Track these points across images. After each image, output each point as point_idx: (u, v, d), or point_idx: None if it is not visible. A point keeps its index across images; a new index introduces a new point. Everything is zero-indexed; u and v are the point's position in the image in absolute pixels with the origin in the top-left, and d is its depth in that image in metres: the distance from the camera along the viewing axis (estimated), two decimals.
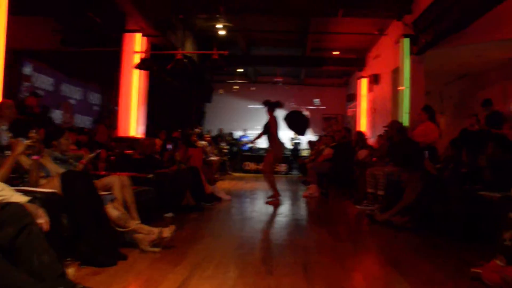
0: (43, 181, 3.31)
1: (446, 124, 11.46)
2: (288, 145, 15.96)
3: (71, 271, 2.64)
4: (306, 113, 9.55)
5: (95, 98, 11.55)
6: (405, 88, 8.78)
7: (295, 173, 14.83)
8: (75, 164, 4.01)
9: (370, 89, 12.64)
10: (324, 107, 17.74)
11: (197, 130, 12.47)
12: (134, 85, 8.83)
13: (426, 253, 3.85)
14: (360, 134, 9.31)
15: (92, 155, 4.27)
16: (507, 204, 3.23)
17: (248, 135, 16.68)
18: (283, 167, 14.77)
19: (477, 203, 4.10)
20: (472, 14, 6.72)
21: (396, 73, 9.57)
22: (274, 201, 7.16)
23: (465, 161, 4.96)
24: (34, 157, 3.14)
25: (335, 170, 8.30)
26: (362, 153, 8.34)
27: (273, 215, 6.24)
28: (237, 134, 17.12)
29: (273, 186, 7.33)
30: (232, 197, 7.55)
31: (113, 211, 3.49)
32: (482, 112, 7.61)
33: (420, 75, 8.82)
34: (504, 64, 9.19)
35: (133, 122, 8.81)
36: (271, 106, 7.61)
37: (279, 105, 7.68)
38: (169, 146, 7.89)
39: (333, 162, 8.41)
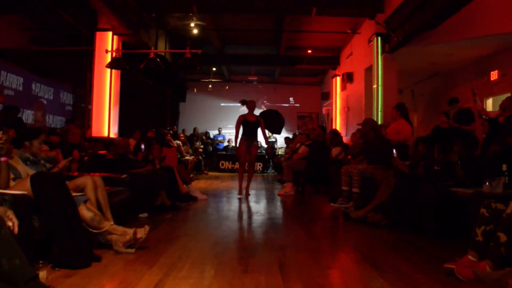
0: (12, 183, 3.24)
1: (418, 121, 11.68)
2: (263, 143, 16.04)
3: (43, 274, 2.59)
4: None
5: (67, 97, 11.36)
6: (378, 86, 8.90)
7: (270, 171, 14.93)
8: (47, 165, 3.94)
9: (344, 87, 12.79)
10: (299, 105, 17.89)
11: (168, 130, 12.36)
12: (107, 85, 8.71)
13: (401, 249, 3.90)
14: (335, 132, 9.42)
15: (66, 162, 4.22)
16: (479, 200, 3.30)
17: (223, 134, 16.69)
18: (258, 166, 14.81)
19: (449, 200, 4.19)
20: (443, 12, 6.85)
21: (369, 71, 9.69)
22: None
23: (437, 158, 5.06)
24: (3, 158, 3.07)
25: (311, 168, 8.34)
26: (335, 151, 8.44)
27: (249, 214, 6.25)
28: (212, 133, 17.11)
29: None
30: (208, 197, 7.55)
31: (86, 212, 3.44)
32: (450, 110, 7.79)
33: (392, 73, 8.96)
34: (475, 62, 9.40)
35: (106, 122, 8.70)
36: (247, 104, 8.23)
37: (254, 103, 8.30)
38: (143, 146, 7.82)
39: (308, 160, 8.45)
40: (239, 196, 7.95)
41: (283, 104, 17.77)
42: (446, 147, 4.93)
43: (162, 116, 14.67)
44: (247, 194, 8.04)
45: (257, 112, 8.48)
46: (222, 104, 17.77)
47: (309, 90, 17.74)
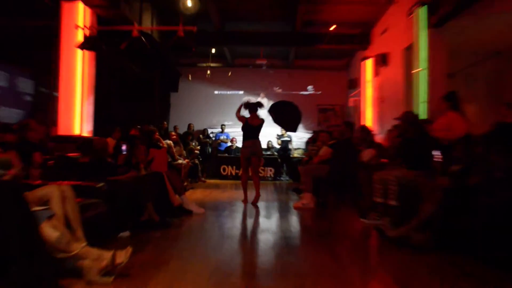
0: None
1: (473, 115, 11.54)
2: (275, 143, 16.04)
3: None
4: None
5: (26, 85, 11.34)
6: (421, 70, 8.81)
7: (284, 178, 14.96)
8: (0, 173, 3.91)
9: (376, 73, 12.71)
10: (320, 95, 17.84)
11: (156, 127, 12.34)
12: (78, 70, 8.70)
13: (450, 279, 3.84)
14: (365, 130, 9.32)
15: (18, 170, 4.20)
16: None
17: (226, 132, 16.70)
18: (269, 172, 14.81)
19: None
20: None
21: (409, 51, 9.60)
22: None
23: (499, 162, 4.96)
24: None
25: (335, 175, 8.29)
26: (367, 153, 8.34)
27: (258, 232, 6.21)
28: (212, 130, 17.12)
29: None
30: (206, 210, 7.55)
31: (51, 231, 3.40)
32: None
33: (440, 53, 8.85)
34: None
35: (78, 117, 8.69)
36: (250, 107, 9.15)
37: (259, 106, 9.20)
38: (125, 147, 7.80)
39: (331, 164, 8.42)
40: (244, 205, 8.53)
41: (301, 92, 17.77)
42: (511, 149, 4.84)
43: (148, 110, 14.67)
44: (245, 201, 8.84)
45: (260, 113, 9.15)
46: (222, 93, 17.84)
47: (332, 77, 17.69)
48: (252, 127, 8.91)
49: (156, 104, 15.43)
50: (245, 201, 8.90)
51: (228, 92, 17.83)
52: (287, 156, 15.34)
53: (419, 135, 6.57)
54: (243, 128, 9.01)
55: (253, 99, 9.18)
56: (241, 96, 17.41)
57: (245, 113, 9.17)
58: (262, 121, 9.07)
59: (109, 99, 10.75)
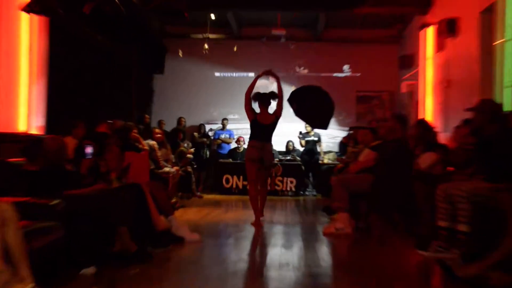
0: None
1: None
2: (297, 145, 16.01)
3: None
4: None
5: None
6: (507, 41, 8.71)
7: (310, 193, 15.11)
8: None
9: (441, 46, 12.63)
10: (360, 77, 17.85)
11: (133, 123, 12.35)
12: (23, 42, 8.67)
13: None
14: (423, 125, 9.23)
15: None
16: None
17: (229, 129, 16.69)
18: (290, 184, 14.78)
19: None
20: None
21: (489, 15, 9.52)
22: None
23: None
24: None
25: (381, 188, 8.24)
26: (426, 159, 8.25)
27: (274, 267, 6.18)
28: (211, 127, 17.15)
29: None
30: (202, 237, 7.55)
31: None
32: None
33: None
34: None
35: (23, 108, 8.67)
36: (262, 99, 9.55)
37: (272, 96, 9.55)
38: (90, 150, 7.77)
39: (376, 173, 8.40)
40: (256, 229, 8.80)
41: (333, 74, 17.87)
42: None
43: (123, 98, 14.70)
44: (258, 224, 8.99)
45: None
46: (225, 76, 17.97)
47: (378, 53, 17.74)
48: (262, 126, 9.26)
49: (134, 91, 15.44)
50: (256, 223, 9.02)
51: (234, 75, 17.99)
52: (314, 163, 15.41)
53: (502, 133, 6.48)
54: (251, 126, 9.36)
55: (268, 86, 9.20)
56: (251, 80, 17.35)
57: (255, 106, 9.43)
58: (276, 118, 9.36)
59: (68, 83, 10.74)
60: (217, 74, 18.01)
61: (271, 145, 9.52)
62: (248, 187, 9.83)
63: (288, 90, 9.66)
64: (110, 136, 9.07)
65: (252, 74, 17.62)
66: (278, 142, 13.14)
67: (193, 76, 17.64)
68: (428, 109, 13.31)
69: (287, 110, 9.42)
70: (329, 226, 8.58)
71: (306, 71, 17.82)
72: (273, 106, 9.50)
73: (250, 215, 9.28)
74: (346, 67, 17.89)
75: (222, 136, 16.58)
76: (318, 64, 17.79)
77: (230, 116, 17.11)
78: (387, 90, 17.64)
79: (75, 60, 11.40)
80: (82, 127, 9.46)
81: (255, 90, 9.59)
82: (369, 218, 8.65)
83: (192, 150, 14.86)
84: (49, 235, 4.79)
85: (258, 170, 9.22)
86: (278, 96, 9.46)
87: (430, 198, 6.88)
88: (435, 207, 6.62)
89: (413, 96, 15.05)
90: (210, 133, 17.07)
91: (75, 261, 5.29)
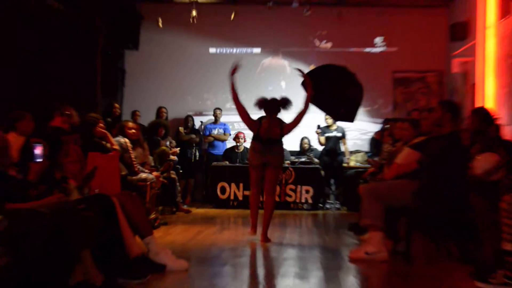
0: None
1: None
2: (315, 143, 15.95)
3: None
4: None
5: None
6: None
7: (332, 206, 15.05)
8: None
9: (506, 10, 12.56)
10: (397, 53, 17.77)
11: (98, 116, 12.32)
12: None
13: None
14: (483, 116, 9.21)
15: None
16: None
17: (223, 122, 16.64)
18: (305, 194, 14.72)
19: None
20: None
21: None
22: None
23: None
24: None
25: (426, 199, 8.18)
26: (485, 160, 8.20)
27: None
28: (201, 120, 17.08)
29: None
30: (190, 264, 7.51)
31: None
32: None
33: None
34: None
35: None
36: (269, 107, 9.73)
37: (287, 103, 9.71)
38: (40, 150, 7.73)
39: (419, 180, 8.29)
40: (251, 238, 9.42)
41: (363, 49, 17.82)
42: None
43: (85, 83, 14.65)
44: (264, 239, 9.39)
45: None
46: (221, 53, 17.93)
47: (421, 21, 17.72)
48: (260, 138, 9.53)
49: (99, 72, 15.42)
50: (253, 230, 9.61)
51: (232, 51, 17.94)
52: (338, 166, 15.43)
53: None
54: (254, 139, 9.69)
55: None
56: (256, 57, 17.47)
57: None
58: (281, 135, 9.59)
59: (11, 62, 10.72)
60: (211, 50, 18.01)
61: (280, 146, 9.68)
62: (250, 192, 9.93)
63: (304, 70, 9.63)
64: (68, 132, 9.06)
65: (257, 50, 17.87)
66: (290, 140, 13.01)
67: (178, 52, 17.63)
68: (489, 94, 13.27)
69: (302, 97, 9.38)
70: (357, 250, 8.46)
71: (329, 44, 17.73)
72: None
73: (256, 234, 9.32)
74: (378, 40, 17.82)
75: (215, 132, 16.53)
76: (342, 36, 17.73)
77: (228, 105, 17.01)
78: (433, 70, 17.60)
79: (20, 32, 11.37)
80: (30, 120, 9.39)
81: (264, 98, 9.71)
82: (410, 239, 8.37)
83: (177, 150, 14.85)
84: None
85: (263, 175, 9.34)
86: (291, 104, 9.53)
87: (493, 213, 6.84)
88: (500, 225, 6.58)
89: (467, 78, 15.03)
90: (201, 128, 16.97)
91: None
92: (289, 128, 9.54)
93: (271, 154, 9.23)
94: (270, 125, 9.31)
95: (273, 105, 9.38)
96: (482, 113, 9.05)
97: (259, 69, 16.07)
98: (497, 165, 7.91)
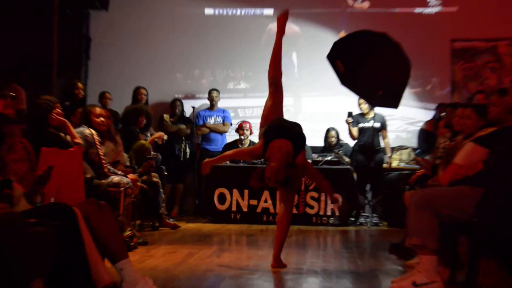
0: None
1: None
2: (345, 135, 15.94)
3: None
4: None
5: None
6: None
7: (368, 220, 15.01)
8: None
9: None
10: (456, 15, 17.72)
11: (48, 97, 12.34)
12: None
13: None
14: None
15: None
16: None
17: (221, 108, 16.63)
18: (330, 205, 14.67)
19: None
20: None
21: None
22: None
23: None
24: None
25: (497, 212, 8.17)
26: None
27: None
28: (193, 104, 17.06)
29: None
30: None
31: None
32: None
33: None
34: None
35: None
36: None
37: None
38: None
39: (488, 186, 8.27)
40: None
41: (411, 10, 17.69)
42: None
43: (38, 54, 14.68)
44: (277, 264, 9.35)
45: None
46: (220, 14, 17.91)
47: None
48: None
49: (55, 40, 15.43)
50: (275, 262, 9.33)
51: (236, 12, 17.91)
52: (376, 166, 15.45)
53: None
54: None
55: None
56: (267, 20, 17.38)
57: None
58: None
59: None
60: (207, 10, 18.02)
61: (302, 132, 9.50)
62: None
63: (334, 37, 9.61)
64: (13, 121, 9.08)
65: (268, 12, 17.81)
66: (312, 132, 12.86)
67: (162, 14, 17.65)
68: None
69: (327, 75, 9.36)
70: (402, 279, 8.35)
71: (365, 4, 17.70)
72: None
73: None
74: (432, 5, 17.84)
75: (211, 121, 16.53)
76: None
77: (230, 85, 17.04)
78: (508, 37, 17.59)
79: None
80: None
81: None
82: (474, 265, 8.41)
83: (161, 141, 14.88)
84: None
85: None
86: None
87: None
88: None
89: None
90: (192, 115, 16.90)
91: None
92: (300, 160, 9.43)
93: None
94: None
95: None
96: None
97: (265, 36, 15.88)
98: None
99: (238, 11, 17.51)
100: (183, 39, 17.64)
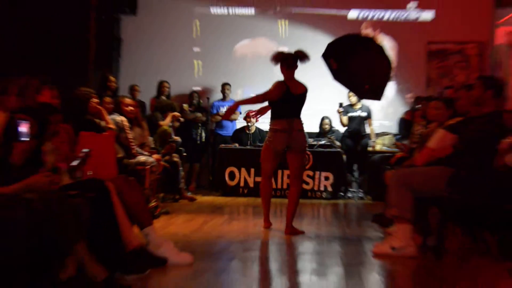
0: None
1: None
2: (337, 123, 15.96)
3: None
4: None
5: None
6: None
7: (355, 195, 15.12)
8: None
9: None
10: (432, 22, 17.67)
11: (91, 91, 12.35)
12: None
13: None
14: None
15: None
16: None
17: (232, 99, 16.59)
18: (324, 181, 14.78)
19: None
20: None
21: None
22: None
23: None
24: None
25: (462, 188, 8.20)
26: None
27: None
28: (207, 96, 17.05)
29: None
30: (194, 259, 7.50)
31: None
32: None
33: None
34: None
35: None
36: (287, 61, 9.63)
37: (301, 57, 9.65)
38: (26, 128, 7.80)
39: (455, 166, 8.31)
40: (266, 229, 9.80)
41: (395, 15, 17.66)
42: None
43: (76, 52, 14.67)
44: (290, 231, 9.57)
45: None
46: (235, 13, 17.91)
47: None
48: (293, 97, 9.56)
49: (92, 40, 15.43)
50: (266, 223, 9.96)
51: (250, 12, 17.82)
52: (362, 150, 15.56)
53: None
54: (275, 102, 9.60)
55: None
56: (252, 20, 17.49)
57: (275, 71, 9.67)
58: (306, 90, 9.73)
59: None
60: (211, 9, 17.93)
61: (301, 122, 9.73)
62: (261, 182, 9.99)
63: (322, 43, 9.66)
64: (57, 109, 9.11)
65: (250, 10, 17.78)
66: (309, 119, 12.95)
67: (184, 16, 17.65)
68: None
69: (322, 71, 9.39)
70: (382, 244, 8.47)
71: (369, 30, 17.61)
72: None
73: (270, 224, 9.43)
74: (412, 5, 17.74)
75: (223, 110, 16.28)
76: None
77: (233, 80, 16.96)
78: (474, 40, 17.52)
79: None
80: (14, 95, 9.46)
81: None
82: (443, 232, 8.38)
83: (179, 125, 14.89)
84: None
85: (281, 160, 9.71)
86: (307, 56, 9.52)
87: None
88: None
89: None
90: (204, 104, 16.96)
91: None
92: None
93: (294, 131, 9.29)
94: (295, 82, 9.51)
95: (292, 58, 9.43)
96: None
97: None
98: None
99: (248, 10, 17.51)
100: (200, 39, 17.61)
